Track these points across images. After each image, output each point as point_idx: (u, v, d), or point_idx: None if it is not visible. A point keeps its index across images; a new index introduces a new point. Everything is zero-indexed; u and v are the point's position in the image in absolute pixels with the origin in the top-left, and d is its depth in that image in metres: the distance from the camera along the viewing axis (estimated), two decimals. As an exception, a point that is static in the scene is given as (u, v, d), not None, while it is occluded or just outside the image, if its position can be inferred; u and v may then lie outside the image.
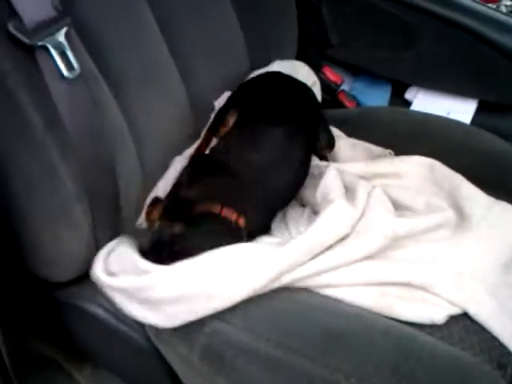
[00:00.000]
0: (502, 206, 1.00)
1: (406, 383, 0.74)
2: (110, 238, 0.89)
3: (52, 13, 0.71)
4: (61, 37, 0.71)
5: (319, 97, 1.37)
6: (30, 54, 0.70)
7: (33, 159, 0.76)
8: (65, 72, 0.72)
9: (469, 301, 0.85)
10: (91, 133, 0.78)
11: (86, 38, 0.82)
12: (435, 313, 0.84)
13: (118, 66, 0.91)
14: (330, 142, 1.18)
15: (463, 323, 0.85)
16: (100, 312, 0.93)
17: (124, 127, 0.90)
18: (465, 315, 0.86)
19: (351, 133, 1.26)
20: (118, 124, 0.88)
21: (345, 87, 1.54)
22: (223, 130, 1.14)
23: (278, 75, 1.24)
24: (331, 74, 1.47)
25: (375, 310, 0.84)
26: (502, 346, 0.84)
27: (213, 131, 1.16)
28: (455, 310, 0.85)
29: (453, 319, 0.85)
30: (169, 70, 1.05)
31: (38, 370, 1.15)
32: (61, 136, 0.75)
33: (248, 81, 1.23)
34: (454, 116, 1.39)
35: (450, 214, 0.97)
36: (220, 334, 0.81)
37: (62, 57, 0.72)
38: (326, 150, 1.18)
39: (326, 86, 1.46)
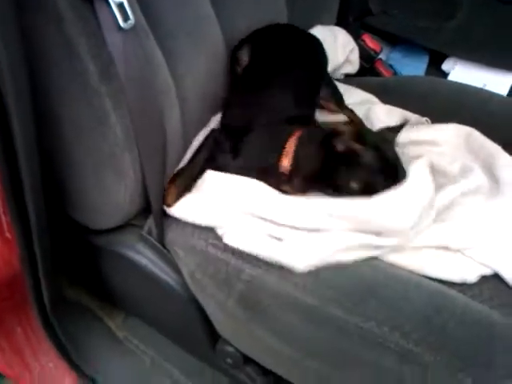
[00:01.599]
0: None
1: (436, 334, 0.78)
2: (155, 191, 0.92)
3: (111, -37, 0.73)
4: None
5: (357, 64, 1.38)
6: (89, 3, 0.72)
7: (86, 106, 0.79)
8: (121, 23, 0.74)
9: (501, 263, 0.87)
10: (143, 85, 0.80)
11: None
12: (468, 273, 0.87)
13: (165, 21, 0.93)
14: (336, 95, 1.22)
15: (494, 283, 0.87)
16: (140, 258, 0.97)
17: (171, 83, 0.92)
18: (496, 276, 0.88)
19: (388, 101, 1.27)
20: (167, 79, 0.90)
21: (382, 56, 1.54)
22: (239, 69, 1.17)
23: (291, 27, 1.25)
24: (371, 42, 1.47)
25: (409, 267, 0.87)
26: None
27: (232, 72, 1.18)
28: (487, 271, 0.88)
29: (484, 278, 0.88)
30: (213, 30, 1.07)
31: (71, 315, 1.19)
32: (114, 85, 0.78)
33: (261, 28, 1.22)
34: (490, 88, 1.39)
35: (483, 180, 0.99)
36: (258, 281, 0.85)
37: (119, 7, 0.74)
38: (329, 102, 1.21)
39: (366, 53, 1.46)
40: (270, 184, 0.94)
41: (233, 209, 0.91)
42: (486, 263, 0.88)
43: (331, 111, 1.22)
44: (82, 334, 1.15)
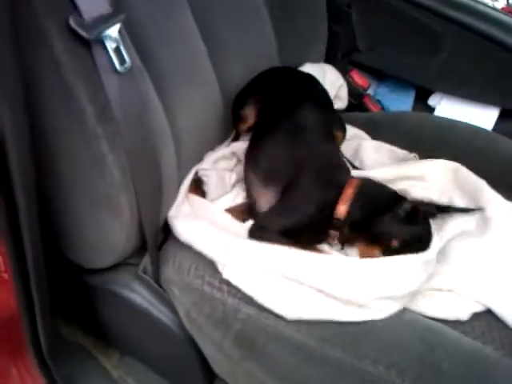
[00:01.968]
0: None
1: (430, 373, 0.78)
2: (151, 230, 0.92)
3: (108, 9, 0.75)
4: (115, 32, 0.75)
5: (345, 99, 1.40)
6: (86, 47, 0.74)
7: (83, 147, 0.80)
8: (118, 66, 0.76)
9: (493, 299, 0.88)
10: (139, 126, 0.82)
11: (133, 35, 0.86)
12: (460, 311, 0.88)
13: (160, 63, 0.95)
14: (343, 125, 1.26)
15: (485, 319, 0.88)
16: (135, 297, 0.97)
17: (166, 124, 0.93)
18: (487, 312, 0.89)
19: (376, 136, 1.30)
20: (162, 120, 0.91)
21: (370, 91, 1.57)
22: (243, 128, 1.18)
23: (287, 70, 1.27)
24: (358, 78, 1.51)
25: (402, 305, 0.87)
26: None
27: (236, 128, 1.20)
28: (479, 308, 0.89)
29: (475, 315, 0.88)
30: (206, 70, 1.09)
31: (66, 355, 1.18)
32: (111, 126, 0.79)
33: (258, 77, 1.24)
34: (476, 123, 1.41)
35: (471, 218, 1.02)
36: (255, 321, 0.85)
37: (116, 51, 0.75)
38: (339, 132, 1.23)
39: (354, 89, 1.49)
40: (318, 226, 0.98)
41: (237, 245, 0.91)
42: (478, 300, 0.88)
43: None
44: (77, 373, 1.13)
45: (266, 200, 1.05)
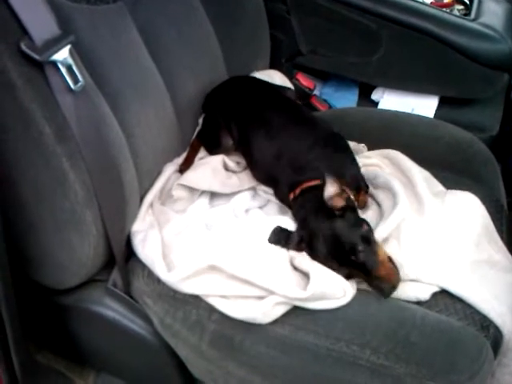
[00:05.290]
0: (459, 194, 1.10)
1: (402, 347, 0.83)
2: (118, 244, 0.94)
3: (57, 31, 0.77)
4: (66, 53, 0.77)
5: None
6: (39, 69, 0.75)
7: (44, 168, 0.81)
8: (72, 85, 0.78)
9: (448, 280, 0.94)
10: (97, 142, 0.84)
11: (82, 55, 0.87)
12: (420, 292, 0.93)
13: (111, 80, 0.96)
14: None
15: (447, 293, 0.94)
16: (108, 312, 0.98)
17: (123, 138, 0.95)
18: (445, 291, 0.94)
19: (326, 133, 1.34)
20: (119, 135, 0.93)
21: (316, 92, 1.62)
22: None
23: (242, 79, 1.31)
24: (304, 80, 1.55)
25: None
26: (482, 311, 0.93)
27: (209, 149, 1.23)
28: (436, 289, 0.94)
29: (436, 294, 0.94)
30: (156, 84, 1.10)
31: (41, 380, 1.17)
32: (70, 145, 0.80)
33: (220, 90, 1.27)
34: (418, 112, 1.51)
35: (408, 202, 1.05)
36: (228, 319, 0.88)
37: (69, 71, 0.77)
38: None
39: (301, 91, 1.54)
40: None
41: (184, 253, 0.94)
42: (433, 283, 0.94)
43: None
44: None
45: None
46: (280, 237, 0.96)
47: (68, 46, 0.78)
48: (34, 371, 1.08)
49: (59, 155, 0.80)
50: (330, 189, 0.93)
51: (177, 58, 1.18)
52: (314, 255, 0.93)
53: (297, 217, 1.01)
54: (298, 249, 0.95)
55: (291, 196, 1.03)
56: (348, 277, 0.90)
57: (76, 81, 0.78)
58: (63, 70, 0.77)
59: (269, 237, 0.96)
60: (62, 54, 0.77)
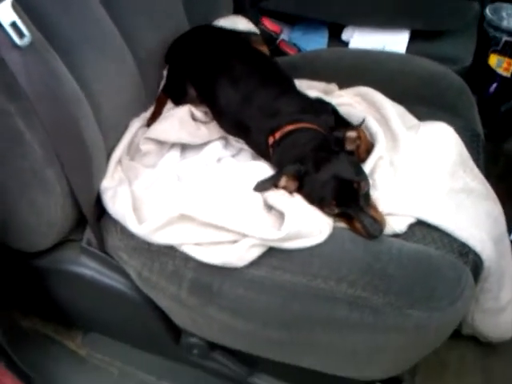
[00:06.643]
0: (432, 124, 1.08)
1: (379, 279, 0.84)
2: (87, 202, 0.93)
3: (-4, -15, 0.73)
4: (8, 7, 0.74)
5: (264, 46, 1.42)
6: None
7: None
8: (17, 40, 0.75)
9: (424, 210, 0.93)
10: (52, 99, 0.81)
11: (30, 12, 0.83)
12: (396, 224, 0.92)
13: (60, 33, 0.92)
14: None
15: (424, 224, 0.93)
16: (85, 271, 0.98)
17: (80, 93, 0.92)
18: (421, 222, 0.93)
19: (298, 77, 1.31)
20: (75, 90, 0.90)
21: (284, 37, 1.59)
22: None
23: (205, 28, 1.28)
24: (270, 24, 1.52)
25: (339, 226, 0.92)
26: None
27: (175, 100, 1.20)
28: (414, 220, 0.94)
29: (412, 225, 0.93)
30: (112, 34, 1.06)
31: (29, 345, 1.19)
32: (23, 104, 0.78)
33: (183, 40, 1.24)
34: (389, 48, 1.48)
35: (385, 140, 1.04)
36: (205, 266, 0.87)
37: (13, 26, 0.74)
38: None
39: (267, 36, 1.51)
40: None
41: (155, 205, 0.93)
42: (410, 215, 0.93)
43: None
44: (44, 361, 1.14)
45: None
46: (266, 182, 0.94)
47: (9, 0, 0.74)
48: (20, 338, 1.10)
49: (12, 114, 0.78)
50: (351, 133, 0.96)
51: (134, 8, 1.13)
52: (306, 192, 0.92)
53: (281, 158, 0.99)
54: (287, 185, 0.93)
55: (270, 140, 1.01)
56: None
57: (22, 35, 0.75)
58: (6, 25, 0.73)
59: (254, 187, 0.95)
60: (4, 8, 0.73)
